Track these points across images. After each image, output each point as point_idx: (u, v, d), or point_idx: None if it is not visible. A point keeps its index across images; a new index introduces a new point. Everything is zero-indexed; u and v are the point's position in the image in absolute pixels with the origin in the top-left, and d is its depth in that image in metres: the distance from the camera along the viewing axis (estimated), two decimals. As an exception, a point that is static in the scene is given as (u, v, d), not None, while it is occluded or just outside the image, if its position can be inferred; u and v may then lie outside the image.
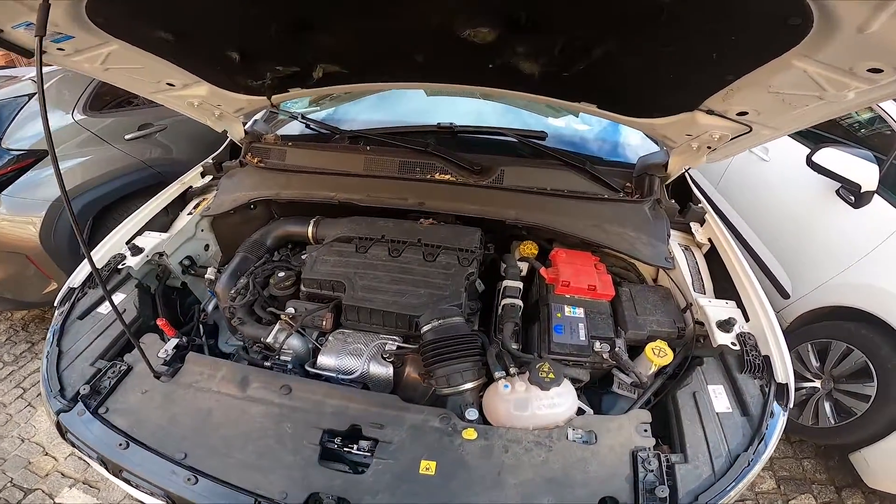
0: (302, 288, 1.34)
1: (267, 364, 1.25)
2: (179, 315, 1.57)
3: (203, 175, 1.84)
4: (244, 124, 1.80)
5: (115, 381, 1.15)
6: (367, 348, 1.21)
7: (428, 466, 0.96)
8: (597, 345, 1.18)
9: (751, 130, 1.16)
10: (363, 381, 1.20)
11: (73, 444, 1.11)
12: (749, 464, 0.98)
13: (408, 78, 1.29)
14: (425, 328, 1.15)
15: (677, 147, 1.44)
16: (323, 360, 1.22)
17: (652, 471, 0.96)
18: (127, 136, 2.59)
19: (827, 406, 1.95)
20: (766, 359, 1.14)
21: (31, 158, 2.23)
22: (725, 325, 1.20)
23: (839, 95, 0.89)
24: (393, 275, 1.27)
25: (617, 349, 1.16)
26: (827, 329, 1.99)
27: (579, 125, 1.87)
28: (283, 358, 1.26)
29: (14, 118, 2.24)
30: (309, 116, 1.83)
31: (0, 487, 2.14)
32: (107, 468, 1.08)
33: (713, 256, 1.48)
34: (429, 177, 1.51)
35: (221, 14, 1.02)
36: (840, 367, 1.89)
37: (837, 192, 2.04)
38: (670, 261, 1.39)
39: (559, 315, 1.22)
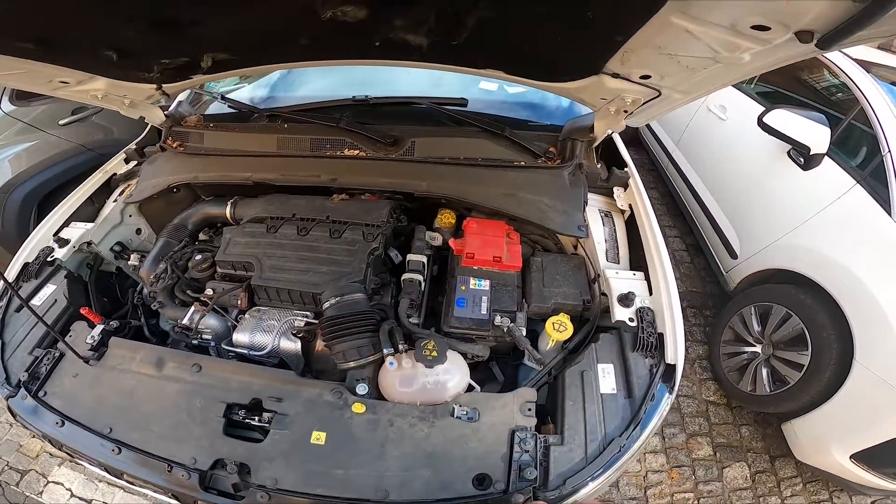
0: (217, 269, 1.36)
1: (194, 342, 1.33)
2: (120, 298, 1.61)
3: (127, 161, 1.82)
4: (165, 108, 1.76)
5: (50, 367, 1.22)
6: (279, 325, 1.25)
7: (319, 437, 1.03)
8: (497, 318, 1.19)
9: (660, 94, 1.13)
10: (275, 356, 1.25)
11: (24, 426, 1.20)
12: (620, 449, 0.99)
13: (299, 58, 1.25)
14: (325, 305, 1.18)
15: (598, 110, 1.40)
16: (237, 337, 1.27)
17: (527, 451, 0.98)
18: (61, 122, 2.56)
19: (764, 373, 1.93)
20: (661, 336, 1.14)
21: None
22: (625, 300, 1.21)
23: (734, 58, 0.85)
24: (299, 253, 1.29)
25: (511, 325, 1.17)
26: (769, 292, 1.98)
27: (512, 88, 1.80)
28: (204, 337, 1.33)
29: None
30: (229, 96, 1.78)
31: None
32: (52, 444, 1.18)
33: (634, 224, 1.45)
34: (339, 153, 1.49)
35: (78, 20, 0.97)
36: (779, 332, 1.87)
37: (788, 153, 2.01)
38: (583, 229, 1.38)
39: (463, 288, 1.24)
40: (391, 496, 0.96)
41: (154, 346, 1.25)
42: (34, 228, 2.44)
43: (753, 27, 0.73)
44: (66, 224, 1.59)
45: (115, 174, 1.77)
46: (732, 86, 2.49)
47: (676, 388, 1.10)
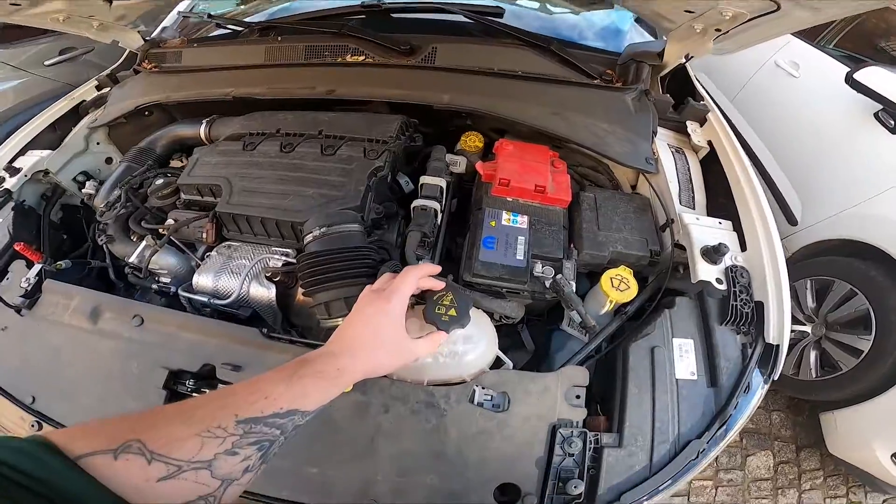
0: (181, 195, 1.08)
1: (154, 287, 1.08)
2: (87, 234, 1.39)
3: (99, 88, 1.60)
4: (146, 32, 1.57)
5: None
6: (249, 264, 0.96)
7: None
8: (538, 267, 0.88)
9: (779, 8, 0.86)
10: (246, 305, 0.98)
11: None
12: (698, 455, 0.77)
13: None
14: (307, 237, 0.88)
15: (676, 28, 1.10)
16: (199, 279, 1.00)
17: (572, 455, 0.75)
18: (46, 62, 2.52)
19: (812, 356, 1.82)
20: (759, 306, 0.89)
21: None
22: (712, 254, 0.91)
23: None
24: (280, 173, 0.99)
25: (559, 277, 0.87)
26: (833, 266, 1.82)
27: (556, 8, 1.49)
28: (162, 280, 1.07)
29: None
30: (218, 14, 1.52)
31: None
32: None
33: (712, 166, 1.16)
34: (339, 60, 1.21)
35: None
36: (838, 312, 1.75)
37: (876, 114, 1.82)
38: (652, 162, 1.07)
39: (493, 224, 0.93)
40: None
41: (91, 291, 1.00)
42: None
43: None
44: (21, 153, 1.37)
45: (83, 101, 1.54)
46: (808, 43, 2.34)
47: (776, 376, 0.86)
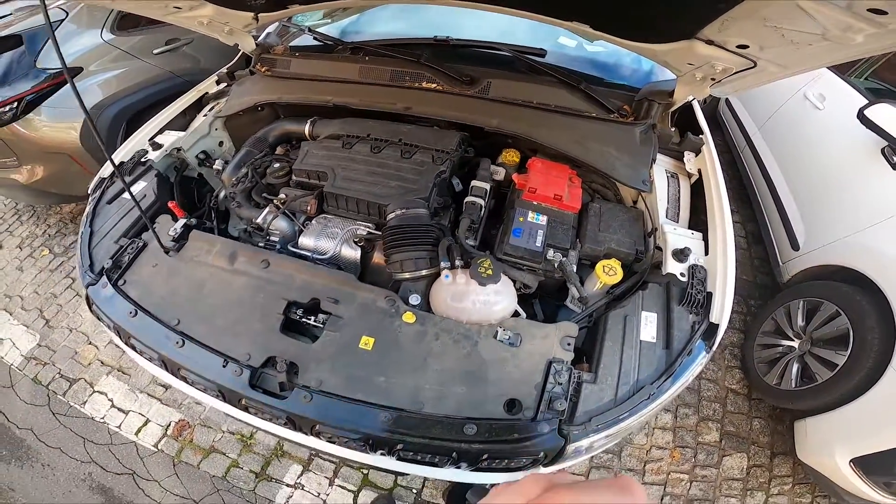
0: (293, 177, 1.46)
1: (260, 244, 1.37)
2: (196, 202, 1.73)
3: (218, 83, 1.97)
4: (255, 37, 1.89)
5: (132, 257, 1.27)
6: (342, 232, 1.32)
7: (367, 342, 1.05)
8: (550, 252, 1.20)
9: (755, 66, 1.09)
10: (335, 262, 1.31)
11: (97, 317, 1.24)
12: (649, 397, 0.98)
13: None
14: (390, 216, 1.24)
15: (682, 76, 1.36)
16: (303, 240, 1.34)
17: (560, 384, 0.99)
18: (155, 51, 2.83)
19: (795, 368, 1.94)
20: (709, 296, 1.12)
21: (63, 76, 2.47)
22: (680, 255, 1.19)
23: (845, 37, 0.80)
24: (371, 168, 1.35)
25: (564, 259, 1.18)
26: (823, 288, 1.95)
27: (591, 47, 1.79)
28: (272, 238, 1.40)
29: (46, 42, 2.46)
30: (317, 29, 1.87)
31: (49, 380, 2.36)
32: (120, 337, 1.20)
33: (701, 190, 1.42)
34: (417, 85, 1.55)
35: None
36: (822, 329, 1.86)
37: (883, 150, 1.91)
38: (647, 184, 1.37)
39: (521, 219, 1.27)
40: (425, 408, 0.97)
41: (230, 240, 1.29)
42: (121, 143, 2.77)
43: (872, 10, 0.70)
44: (160, 132, 1.74)
45: (206, 93, 1.92)
46: (838, 76, 2.39)
47: (715, 348, 1.08)
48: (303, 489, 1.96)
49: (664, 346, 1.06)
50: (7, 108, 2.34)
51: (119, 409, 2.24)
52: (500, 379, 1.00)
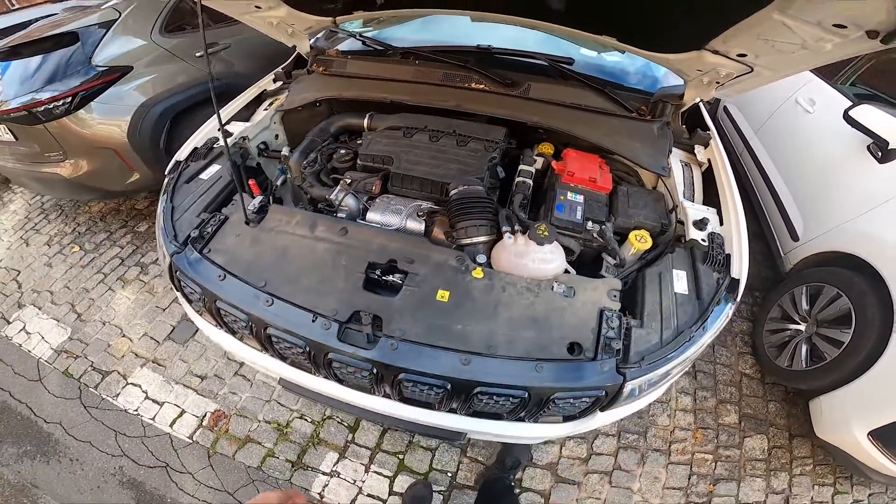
0: (359, 161, 1.66)
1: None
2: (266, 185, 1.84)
3: (275, 81, 2.18)
4: (310, 41, 2.10)
5: (215, 229, 1.37)
6: (405, 208, 1.52)
7: (443, 295, 1.17)
8: (589, 224, 1.43)
9: (752, 70, 1.30)
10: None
11: (179, 283, 1.33)
12: (690, 339, 1.10)
13: (455, 6, 1.52)
14: (453, 192, 1.45)
15: (691, 80, 1.62)
16: (371, 215, 1.51)
17: (613, 328, 1.11)
18: (197, 54, 2.97)
19: (804, 349, 2.03)
20: (728, 257, 1.29)
21: (115, 73, 2.63)
22: (700, 224, 1.39)
23: (819, 46, 1.03)
24: (432, 153, 1.58)
25: (603, 227, 1.40)
26: (824, 273, 2.08)
27: (610, 57, 2.05)
28: (339, 215, 1.56)
29: (101, 41, 2.61)
30: (365, 34, 2.10)
31: (81, 373, 2.32)
32: (204, 303, 1.29)
33: (711, 178, 1.66)
34: (466, 85, 1.78)
35: None
36: (826, 311, 1.98)
37: (868, 147, 2.09)
38: (666, 170, 1.61)
39: (562, 198, 1.49)
40: (499, 351, 1.08)
41: (308, 212, 1.39)
42: (164, 140, 2.93)
43: (835, 25, 0.95)
44: (227, 122, 1.89)
45: (265, 90, 2.12)
46: (825, 82, 2.65)
47: (738, 300, 1.23)
48: (339, 476, 1.95)
49: (696, 297, 1.20)
50: (62, 102, 2.47)
51: (153, 401, 2.19)
52: (562, 324, 1.12)
